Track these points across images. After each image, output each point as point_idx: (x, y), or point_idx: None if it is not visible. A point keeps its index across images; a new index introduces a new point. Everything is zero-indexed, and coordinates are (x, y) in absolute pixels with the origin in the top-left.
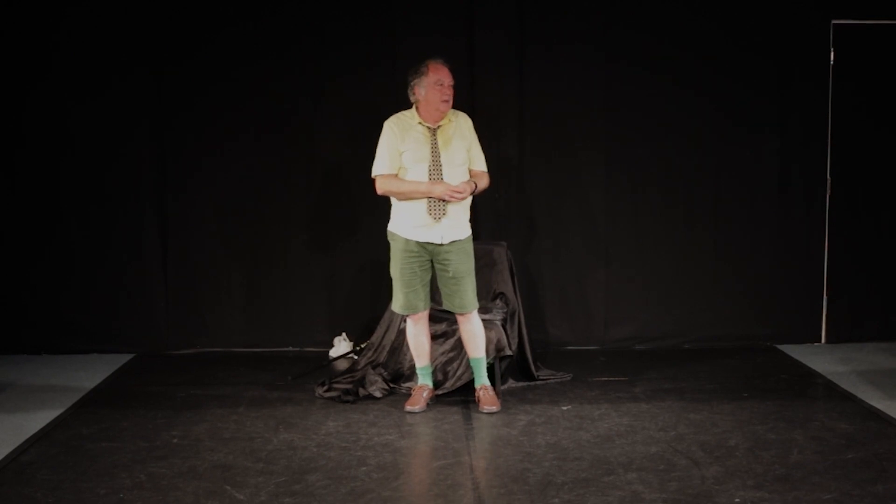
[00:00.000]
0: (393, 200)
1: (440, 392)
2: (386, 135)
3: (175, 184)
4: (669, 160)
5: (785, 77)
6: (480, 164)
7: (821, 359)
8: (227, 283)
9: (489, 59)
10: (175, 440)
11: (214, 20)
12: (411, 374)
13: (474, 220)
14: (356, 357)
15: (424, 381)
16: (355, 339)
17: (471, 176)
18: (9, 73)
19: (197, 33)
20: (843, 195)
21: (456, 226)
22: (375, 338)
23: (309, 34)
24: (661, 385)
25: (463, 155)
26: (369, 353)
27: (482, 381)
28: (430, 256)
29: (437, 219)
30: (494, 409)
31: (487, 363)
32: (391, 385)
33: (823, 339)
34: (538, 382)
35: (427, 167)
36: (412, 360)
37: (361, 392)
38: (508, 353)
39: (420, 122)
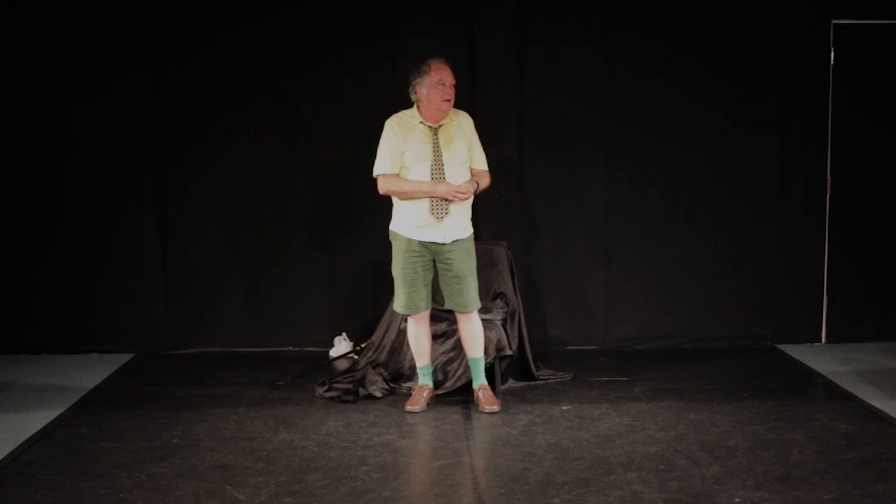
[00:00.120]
0: (395, 200)
1: (440, 392)
2: (387, 134)
3: (175, 184)
4: (669, 160)
5: (785, 77)
6: (482, 163)
7: (821, 359)
8: (227, 283)
9: (489, 59)
10: (175, 440)
11: (214, 20)
12: (411, 374)
13: (474, 220)
14: (356, 357)
15: (425, 380)
16: (355, 338)
17: (472, 175)
18: (9, 73)
19: (197, 33)
20: (843, 195)
21: (458, 225)
22: (375, 338)
23: (309, 34)
24: (661, 385)
25: (464, 154)
26: (369, 353)
27: (480, 381)
28: (433, 256)
29: (440, 218)
30: (495, 408)
31: (487, 363)
32: (391, 385)
33: (823, 339)
34: (538, 382)
35: (429, 166)
36: (412, 359)
37: (361, 392)
38: (508, 352)
39: (421, 122)
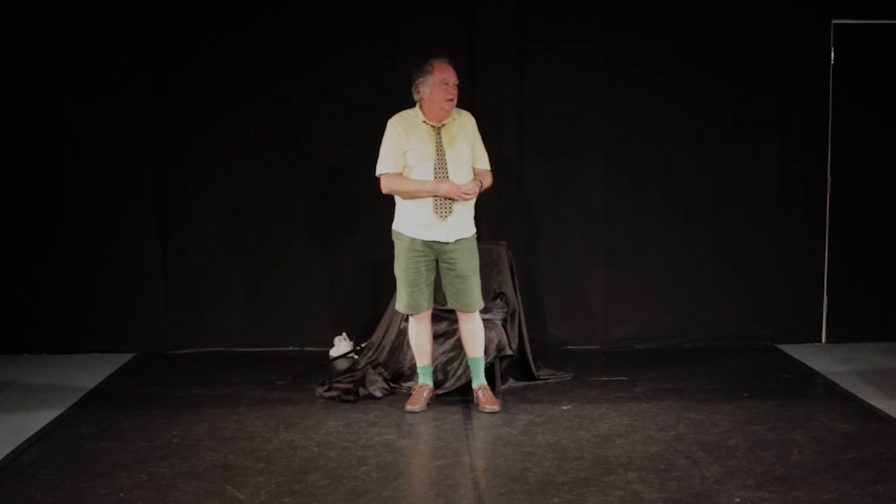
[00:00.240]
0: (398, 199)
1: (440, 392)
2: (390, 133)
3: (175, 184)
4: (669, 160)
5: (785, 77)
6: (484, 162)
7: (821, 359)
8: (227, 283)
9: (489, 59)
10: (175, 440)
11: (214, 20)
12: (411, 374)
13: (475, 220)
14: (356, 357)
15: (425, 380)
16: (355, 338)
17: (474, 174)
18: (9, 73)
19: (197, 33)
20: (843, 195)
21: (462, 224)
22: (376, 337)
23: (309, 34)
24: (661, 385)
25: (467, 153)
26: (369, 353)
27: (480, 380)
28: (436, 255)
29: (444, 217)
30: (495, 408)
31: (487, 363)
32: (391, 385)
33: (823, 339)
34: (538, 382)
35: (432, 165)
36: (412, 359)
37: (362, 392)
38: (509, 352)
39: (424, 121)
